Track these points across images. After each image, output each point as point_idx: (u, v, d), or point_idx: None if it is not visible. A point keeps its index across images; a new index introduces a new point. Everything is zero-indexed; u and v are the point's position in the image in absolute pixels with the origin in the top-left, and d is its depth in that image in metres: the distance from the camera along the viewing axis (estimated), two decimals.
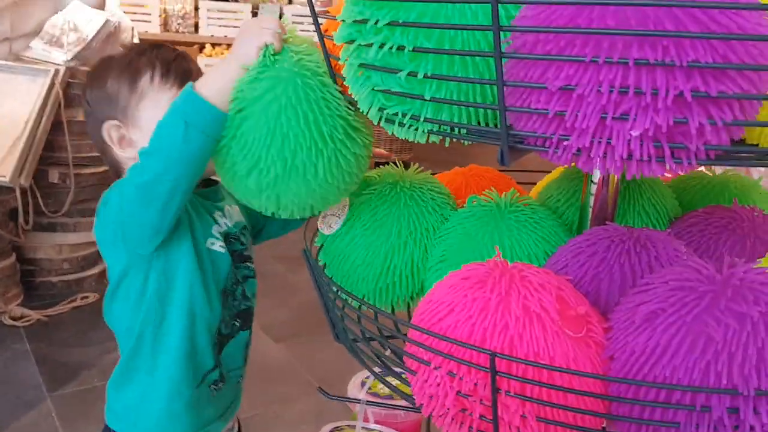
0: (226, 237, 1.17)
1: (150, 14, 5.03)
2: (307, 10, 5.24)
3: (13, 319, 2.83)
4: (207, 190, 1.21)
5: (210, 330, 1.15)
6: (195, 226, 1.12)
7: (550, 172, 1.40)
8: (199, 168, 1.00)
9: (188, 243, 1.10)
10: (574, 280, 0.90)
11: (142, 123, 1.12)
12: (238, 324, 1.21)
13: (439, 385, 0.81)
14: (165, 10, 5.10)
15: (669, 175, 1.34)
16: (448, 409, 0.82)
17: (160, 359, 1.13)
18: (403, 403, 1.42)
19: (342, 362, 2.73)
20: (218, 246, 1.15)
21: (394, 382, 0.98)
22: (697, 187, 1.22)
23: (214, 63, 4.97)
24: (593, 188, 1.04)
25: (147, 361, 1.14)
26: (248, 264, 1.22)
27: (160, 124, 0.98)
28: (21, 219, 2.90)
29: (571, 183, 1.17)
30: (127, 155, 1.14)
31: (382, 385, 1.48)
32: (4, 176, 2.72)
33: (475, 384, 0.78)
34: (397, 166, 1.22)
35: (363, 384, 1.47)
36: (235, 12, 5.25)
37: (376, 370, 1.08)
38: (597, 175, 1.04)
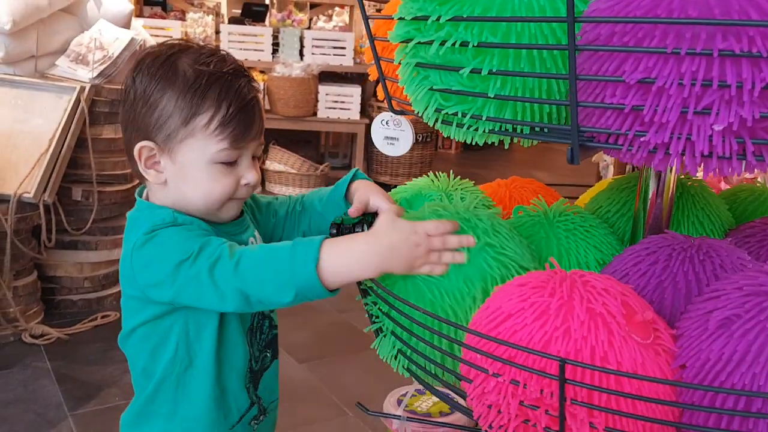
0: None
1: (172, 37, 5.06)
2: (326, 35, 5.28)
3: (34, 337, 2.80)
4: (232, 222, 1.08)
5: (239, 372, 1.09)
6: None
7: (592, 185, 1.38)
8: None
9: None
10: (636, 289, 0.87)
11: (179, 160, 1.00)
12: (269, 355, 1.16)
13: (500, 393, 0.78)
14: (187, 34, 5.15)
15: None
16: (509, 420, 0.78)
17: (183, 405, 1.06)
18: (444, 419, 1.38)
19: (366, 383, 2.70)
20: None
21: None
22: (748, 199, 1.19)
23: None
24: (649, 198, 1.01)
25: (167, 406, 1.07)
26: None
27: (270, 268, 0.91)
28: (44, 236, 2.89)
29: (621, 194, 1.15)
30: (148, 178, 1.03)
31: (419, 403, 1.45)
32: (29, 192, 2.72)
33: (541, 392, 0.74)
34: None
35: (399, 401, 1.44)
36: (255, 35, 5.28)
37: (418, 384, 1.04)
38: (652, 187, 1.02)
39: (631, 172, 1.30)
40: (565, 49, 0.66)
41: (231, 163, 1.01)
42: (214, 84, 0.98)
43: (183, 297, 0.96)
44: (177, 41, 1.04)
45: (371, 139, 1.15)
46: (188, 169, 1.00)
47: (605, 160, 5.54)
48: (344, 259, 0.90)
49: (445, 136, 0.87)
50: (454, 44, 0.75)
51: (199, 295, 0.94)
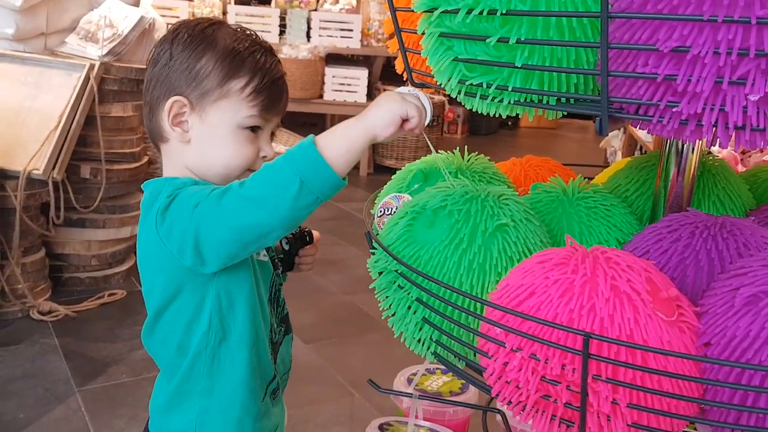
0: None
1: (179, 17, 5.04)
2: (333, 16, 5.24)
3: (41, 313, 2.81)
4: None
5: (266, 341, 1.10)
6: None
7: (608, 165, 1.37)
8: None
9: (248, 258, 1.05)
10: (657, 267, 0.86)
11: (209, 119, 1.03)
12: (283, 329, 1.18)
13: (520, 369, 0.77)
14: (194, 14, 5.12)
15: None
16: (528, 396, 0.77)
17: (220, 380, 1.06)
18: (455, 398, 1.38)
19: (372, 364, 2.71)
20: (263, 255, 1.12)
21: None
22: None
23: None
24: (670, 176, 1.00)
25: (202, 383, 1.06)
26: (278, 272, 1.19)
27: (271, 171, 0.92)
28: (52, 213, 2.89)
29: (640, 173, 1.13)
30: (173, 135, 1.05)
31: (429, 382, 1.44)
32: (38, 169, 2.71)
33: (563, 367, 0.73)
34: None
35: (410, 380, 1.43)
36: (263, 17, 5.26)
37: (428, 364, 1.03)
38: (673, 166, 1.00)
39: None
40: (597, 16, 0.65)
41: (255, 133, 1.06)
42: (250, 56, 1.04)
43: (202, 236, 0.94)
44: (210, 18, 1.10)
45: None
46: (216, 129, 1.04)
47: (612, 147, 5.52)
48: (336, 130, 0.92)
49: (468, 108, 0.85)
50: (481, 12, 0.74)
51: (212, 225, 0.94)
